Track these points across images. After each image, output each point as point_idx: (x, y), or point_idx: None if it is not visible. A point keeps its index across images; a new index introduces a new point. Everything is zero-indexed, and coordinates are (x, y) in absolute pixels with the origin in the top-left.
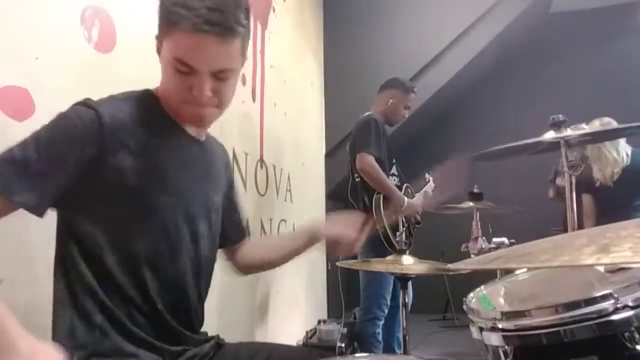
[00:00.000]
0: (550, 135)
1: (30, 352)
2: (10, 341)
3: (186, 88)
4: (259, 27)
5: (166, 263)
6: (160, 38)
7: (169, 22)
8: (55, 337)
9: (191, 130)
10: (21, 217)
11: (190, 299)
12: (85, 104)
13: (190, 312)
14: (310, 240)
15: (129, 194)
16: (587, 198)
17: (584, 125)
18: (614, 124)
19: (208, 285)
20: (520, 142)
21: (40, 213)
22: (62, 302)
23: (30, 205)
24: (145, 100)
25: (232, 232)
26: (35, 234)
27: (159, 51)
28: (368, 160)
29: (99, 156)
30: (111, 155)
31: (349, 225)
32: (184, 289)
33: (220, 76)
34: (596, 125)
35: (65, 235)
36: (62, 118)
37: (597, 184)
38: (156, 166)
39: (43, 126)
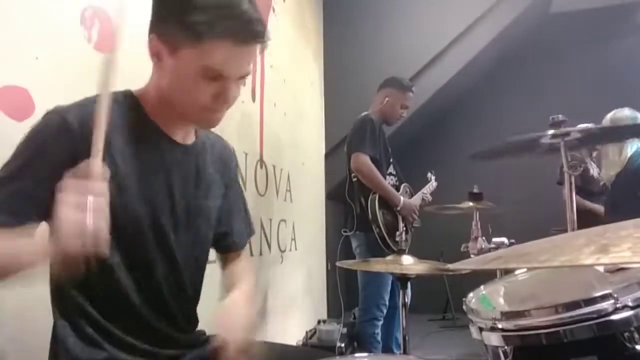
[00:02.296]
0: (549, 132)
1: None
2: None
3: (210, 95)
4: None
5: (143, 272)
6: (173, 46)
7: (196, 32)
8: (52, 349)
9: (176, 135)
10: None
11: (174, 305)
12: (54, 111)
13: (177, 318)
14: None
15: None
16: (596, 207)
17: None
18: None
19: (196, 290)
20: (519, 137)
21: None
22: (55, 315)
23: (9, 226)
24: (124, 104)
25: (222, 238)
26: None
27: (159, 56)
28: (363, 160)
29: (71, 164)
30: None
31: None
32: (164, 296)
33: (242, 80)
34: (620, 116)
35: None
36: (32, 131)
37: (602, 184)
38: (131, 174)
39: (18, 145)
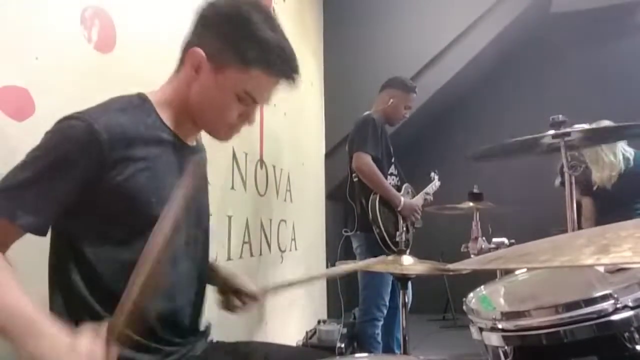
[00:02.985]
0: (550, 133)
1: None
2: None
3: (238, 114)
4: None
5: (164, 271)
6: (220, 65)
7: (248, 60)
8: None
9: (186, 138)
10: None
11: (188, 304)
12: (80, 118)
13: (185, 316)
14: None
15: (127, 209)
16: (586, 200)
17: (584, 126)
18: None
19: (204, 286)
20: (519, 139)
21: (44, 233)
22: (57, 311)
23: (34, 228)
24: (142, 110)
25: None
26: (29, 237)
27: (198, 69)
28: (365, 160)
29: (98, 172)
30: (110, 171)
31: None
32: (180, 295)
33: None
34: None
35: (60, 246)
36: (57, 135)
37: (595, 187)
38: (155, 179)
39: (39, 145)
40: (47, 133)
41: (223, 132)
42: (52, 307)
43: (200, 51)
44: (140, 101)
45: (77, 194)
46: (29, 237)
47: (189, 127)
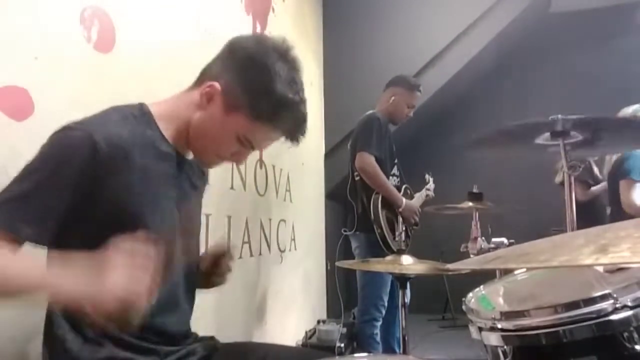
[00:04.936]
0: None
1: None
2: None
3: (231, 152)
4: (259, 27)
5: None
6: (231, 105)
7: (258, 113)
8: (48, 348)
9: (185, 151)
10: None
11: (183, 305)
12: (79, 129)
13: (182, 316)
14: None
15: (123, 218)
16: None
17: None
18: None
19: (195, 289)
20: (515, 123)
21: (45, 243)
22: (55, 314)
23: (37, 239)
24: (142, 121)
25: None
26: None
27: (210, 101)
28: (368, 160)
29: (96, 182)
30: (107, 181)
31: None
32: (175, 298)
33: None
34: (628, 112)
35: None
36: (57, 145)
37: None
38: (150, 190)
39: (37, 156)
40: (45, 144)
41: (211, 162)
42: (50, 310)
43: (217, 86)
44: (141, 112)
45: (73, 203)
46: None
47: (184, 143)
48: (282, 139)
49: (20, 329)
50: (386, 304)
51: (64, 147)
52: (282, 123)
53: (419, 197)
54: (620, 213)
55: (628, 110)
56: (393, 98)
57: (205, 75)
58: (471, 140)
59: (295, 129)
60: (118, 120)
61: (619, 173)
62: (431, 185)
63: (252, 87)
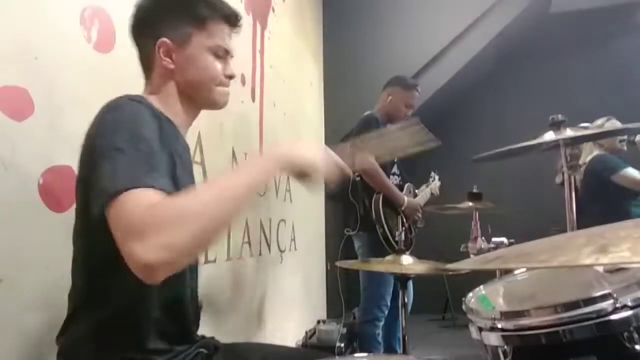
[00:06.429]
0: (549, 136)
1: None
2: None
3: (220, 69)
4: (259, 27)
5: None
6: (185, 38)
7: (203, 17)
8: (61, 347)
9: (183, 131)
10: (20, 218)
11: (190, 306)
12: (130, 102)
13: (190, 317)
14: None
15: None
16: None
17: (586, 125)
18: (618, 124)
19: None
20: (519, 145)
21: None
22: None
23: (168, 189)
24: (151, 106)
25: None
26: (35, 235)
27: (171, 56)
28: (367, 160)
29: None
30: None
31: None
32: (184, 298)
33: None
34: (599, 124)
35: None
36: (126, 108)
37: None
38: (184, 180)
39: (111, 126)
40: (106, 113)
41: (219, 95)
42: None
43: (164, 42)
44: (141, 99)
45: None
46: (33, 230)
47: (183, 119)
48: (226, 26)
49: (35, 335)
50: (389, 304)
51: (138, 113)
52: (221, 12)
53: (423, 195)
54: (610, 211)
55: (597, 122)
56: (390, 98)
57: (147, 55)
58: (480, 157)
59: (232, 12)
60: (142, 103)
61: (605, 173)
62: (436, 182)
63: (185, 8)
